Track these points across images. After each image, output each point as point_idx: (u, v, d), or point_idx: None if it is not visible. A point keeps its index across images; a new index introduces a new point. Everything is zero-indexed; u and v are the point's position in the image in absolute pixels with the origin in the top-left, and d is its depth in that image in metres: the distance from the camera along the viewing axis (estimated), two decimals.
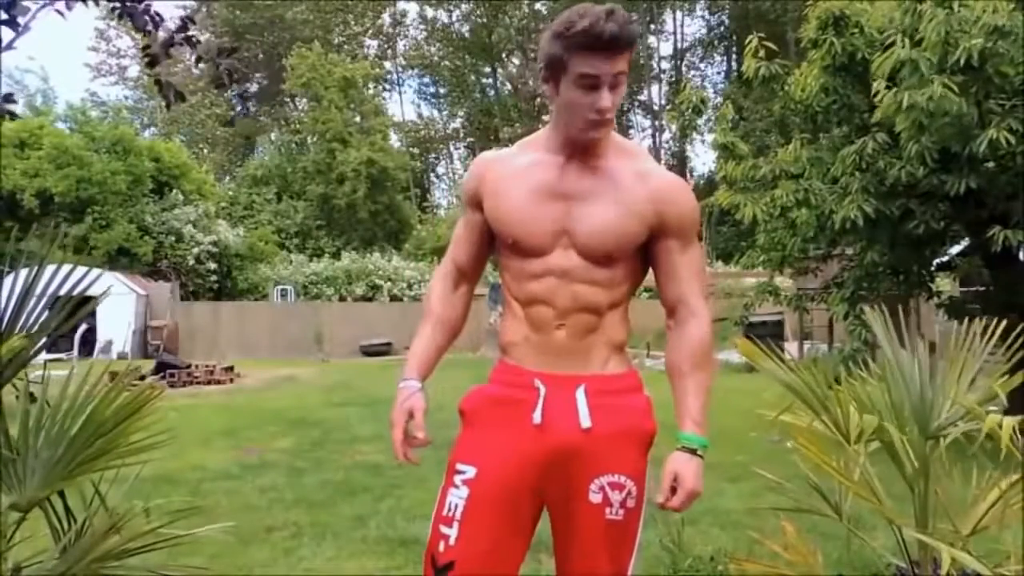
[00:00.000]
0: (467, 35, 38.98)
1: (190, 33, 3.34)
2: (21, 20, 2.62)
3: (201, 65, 3.75)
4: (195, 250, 21.58)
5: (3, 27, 2.61)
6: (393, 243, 28.46)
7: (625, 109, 37.44)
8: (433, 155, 42.21)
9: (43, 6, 2.75)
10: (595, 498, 1.71)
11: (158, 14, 3.20)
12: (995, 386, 2.15)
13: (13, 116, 2.94)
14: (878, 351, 2.36)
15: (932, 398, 2.19)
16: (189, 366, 13.33)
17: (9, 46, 2.61)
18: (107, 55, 36.66)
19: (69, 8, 3.00)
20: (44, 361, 2.28)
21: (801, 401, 2.23)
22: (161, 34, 3.30)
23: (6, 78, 26.03)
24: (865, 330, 6.22)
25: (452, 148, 42.24)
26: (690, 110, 7.12)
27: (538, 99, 36.77)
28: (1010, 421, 1.92)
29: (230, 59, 3.49)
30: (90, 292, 2.19)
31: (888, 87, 5.51)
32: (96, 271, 2.27)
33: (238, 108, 37.42)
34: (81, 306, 2.13)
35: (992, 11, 5.26)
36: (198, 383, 12.61)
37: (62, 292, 2.08)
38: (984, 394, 2.19)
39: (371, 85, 35.36)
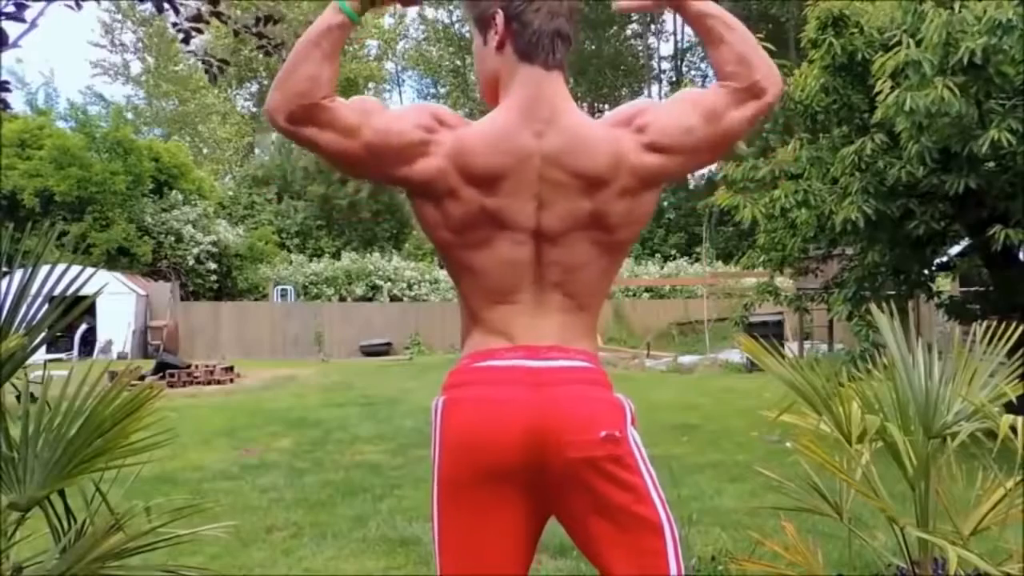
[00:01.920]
0: (467, 35, 39.00)
1: (219, 9, 3.28)
2: (28, 15, 2.60)
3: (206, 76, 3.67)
4: (195, 250, 21.56)
5: (9, 21, 2.59)
6: (393, 243, 28.45)
7: None
8: None
9: (52, 1, 2.72)
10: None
11: None
12: (1004, 388, 2.15)
13: (6, 106, 2.91)
14: (884, 350, 2.36)
15: (937, 398, 2.19)
16: (189, 366, 13.32)
17: (15, 43, 2.60)
18: (110, 51, 36.60)
19: (80, 5, 2.99)
20: (44, 361, 2.28)
21: (804, 400, 2.23)
22: (184, 12, 3.25)
23: (8, 74, 26.04)
24: (872, 331, 6.22)
25: None
26: None
27: None
28: (1012, 420, 1.92)
29: (268, 26, 3.39)
30: (86, 291, 2.19)
31: (892, 87, 5.50)
32: (91, 270, 2.26)
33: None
34: (76, 305, 2.13)
35: (995, 7, 5.25)
36: (198, 383, 12.60)
37: (58, 291, 2.08)
38: (990, 395, 2.20)
39: (371, 85, 35.35)
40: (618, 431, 1.44)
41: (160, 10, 3.18)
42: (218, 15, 3.30)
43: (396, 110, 1.55)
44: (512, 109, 1.50)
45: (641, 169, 1.49)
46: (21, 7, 2.64)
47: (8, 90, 2.87)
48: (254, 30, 3.38)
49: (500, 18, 1.50)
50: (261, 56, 3.50)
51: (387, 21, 38.97)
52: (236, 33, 3.48)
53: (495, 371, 1.47)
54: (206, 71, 3.51)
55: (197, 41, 3.50)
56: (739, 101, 1.52)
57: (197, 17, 3.27)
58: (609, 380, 1.52)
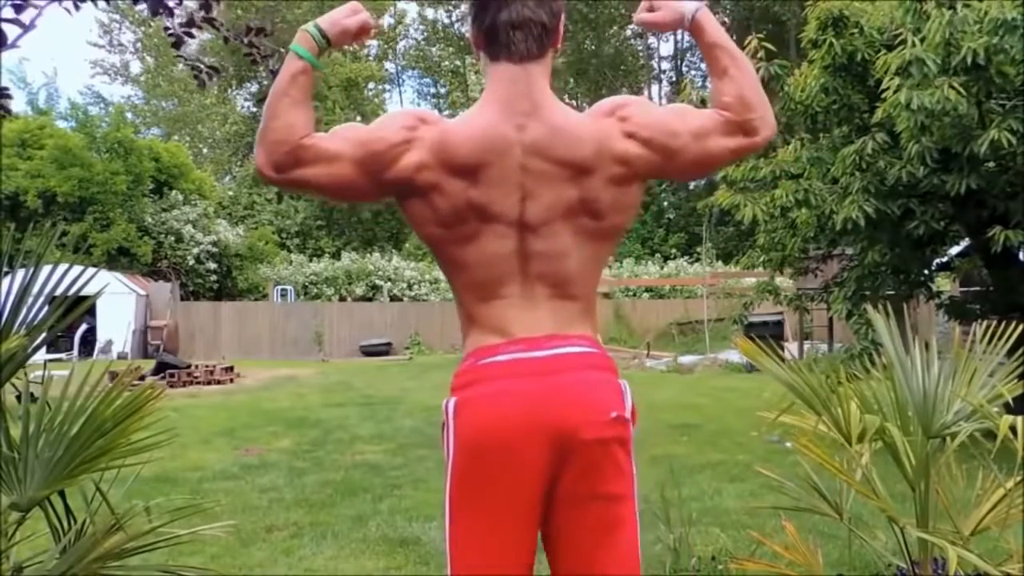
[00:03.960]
0: (467, 35, 38.97)
1: (212, 15, 3.28)
2: (26, 17, 2.60)
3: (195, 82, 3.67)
4: (195, 250, 21.57)
5: (9, 25, 2.59)
6: (393, 243, 28.46)
7: None
8: None
9: (51, 2, 2.72)
10: None
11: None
12: (1002, 388, 2.15)
13: (7, 112, 2.91)
14: (883, 350, 2.36)
15: (936, 398, 2.19)
16: (189, 366, 13.32)
17: (13, 44, 2.60)
18: (109, 51, 36.57)
19: (77, 8, 2.99)
20: (44, 361, 2.28)
21: (803, 402, 2.23)
22: (180, 15, 3.24)
23: (10, 74, 26.00)
24: (871, 330, 6.23)
25: None
26: None
27: None
28: (1012, 420, 1.92)
29: (259, 37, 3.40)
30: (87, 292, 2.19)
31: (899, 86, 5.49)
32: (91, 270, 2.26)
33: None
34: (77, 305, 2.13)
35: (997, 7, 5.25)
36: (198, 383, 12.60)
37: (59, 292, 2.08)
38: (989, 395, 2.19)
39: (371, 85, 35.35)
40: (626, 414, 1.49)
41: (155, 13, 3.18)
42: (211, 21, 3.30)
43: (378, 119, 1.58)
44: (490, 103, 1.53)
45: (623, 155, 1.51)
46: (19, 8, 2.64)
47: (9, 96, 2.87)
48: (245, 39, 3.38)
49: (471, 19, 1.56)
50: (251, 63, 3.47)
51: (387, 21, 38.98)
52: (226, 40, 3.48)
53: (498, 367, 1.48)
54: (195, 76, 3.50)
55: (196, 40, 3.50)
56: (729, 131, 1.55)
57: (190, 23, 3.27)
58: (613, 363, 1.54)
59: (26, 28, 2.63)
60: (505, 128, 1.49)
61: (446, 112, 42.07)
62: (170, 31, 3.26)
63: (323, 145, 1.49)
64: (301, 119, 1.49)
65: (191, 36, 3.32)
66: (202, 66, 3.48)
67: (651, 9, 1.64)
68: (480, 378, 1.50)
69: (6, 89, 2.86)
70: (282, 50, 1.61)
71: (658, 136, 1.52)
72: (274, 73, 3.17)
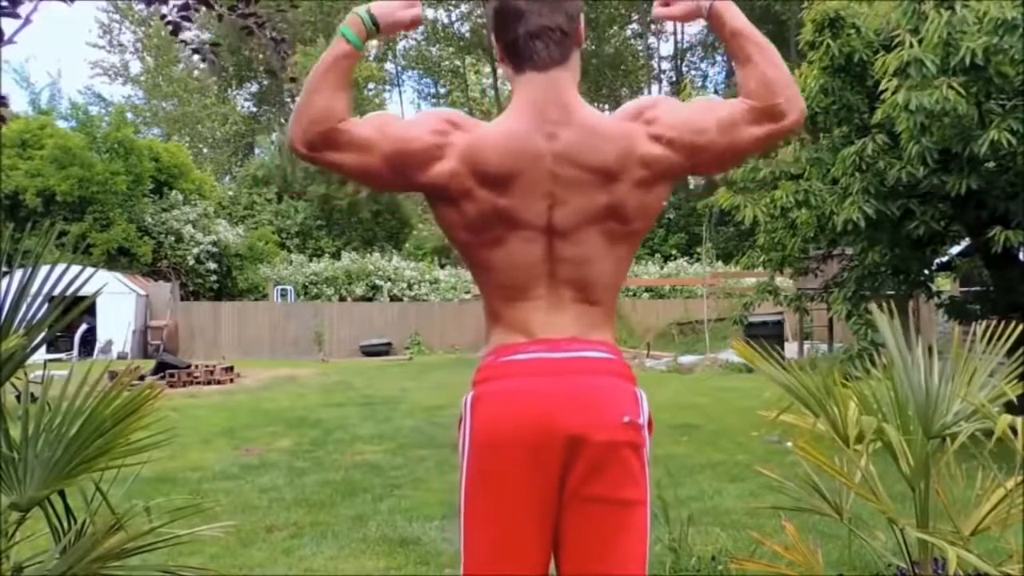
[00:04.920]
0: (467, 35, 38.98)
1: None
2: (23, 12, 2.60)
3: (203, 64, 3.71)
4: (195, 250, 21.56)
5: (5, 19, 2.59)
6: (393, 243, 28.43)
7: None
8: None
9: None
10: None
11: None
12: (1004, 388, 2.15)
13: (3, 120, 2.91)
14: (883, 350, 2.36)
15: (936, 397, 2.19)
16: (189, 366, 13.30)
17: (10, 40, 2.59)
18: (108, 52, 36.57)
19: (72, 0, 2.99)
20: (44, 361, 2.28)
21: (799, 403, 2.23)
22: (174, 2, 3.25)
23: (14, 73, 25.96)
24: (871, 330, 6.23)
25: None
26: None
27: None
28: (1011, 420, 1.92)
29: (251, 6, 3.40)
30: (86, 291, 2.19)
31: (898, 86, 5.48)
32: (90, 270, 2.26)
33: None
34: (76, 305, 2.13)
35: (997, 7, 5.25)
36: (198, 383, 12.59)
37: (58, 291, 2.08)
38: (990, 395, 2.19)
39: (371, 85, 35.33)
40: (640, 420, 1.49)
41: (149, 3, 3.19)
42: (205, 2, 3.30)
43: (411, 118, 1.59)
44: (519, 112, 1.53)
45: (648, 158, 1.51)
46: (15, 3, 2.64)
47: (5, 105, 2.87)
48: (239, 11, 3.38)
49: (493, 36, 1.56)
50: (247, 35, 3.46)
51: None
52: (220, 18, 3.49)
53: (517, 365, 1.50)
54: (202, 59, 3.52)
55: (190, 36, 3.51)
56: (756, 120, 1.53)
57: (185, 6, 3.28)
58: (630, 371, 1.55)
59: (22, 23, 2.62)
60: (535, 136, 1.49)
61: None
62: (167, 19, 3.27)
63: (357, 131, 1.51)
64: (340, 103, 1.50)
65: (189, 20, 3.33)
66: (207, 44, 3.49)
67: (667, 3, 1.63)
68: (499, 375, 1.51)
69: (5, 97, 2.86)
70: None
71: (684, 136, 1.51)
72: (274, 40, 3.19)
